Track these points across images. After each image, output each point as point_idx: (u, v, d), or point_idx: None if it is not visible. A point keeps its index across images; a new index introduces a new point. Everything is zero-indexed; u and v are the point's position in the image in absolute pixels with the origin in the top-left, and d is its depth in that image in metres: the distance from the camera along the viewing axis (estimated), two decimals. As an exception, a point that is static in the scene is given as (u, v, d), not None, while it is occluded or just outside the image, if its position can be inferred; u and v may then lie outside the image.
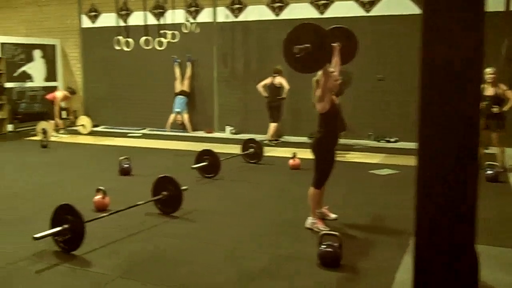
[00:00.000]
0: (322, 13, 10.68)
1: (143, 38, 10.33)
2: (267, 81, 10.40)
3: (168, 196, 5.70)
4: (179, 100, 11.76)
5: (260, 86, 10.47)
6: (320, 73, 4.92)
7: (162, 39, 10.37)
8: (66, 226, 4.56)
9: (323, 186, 5.25)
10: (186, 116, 11.74)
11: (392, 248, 4.68)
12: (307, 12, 10.72)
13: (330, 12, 10.59)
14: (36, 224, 5.15)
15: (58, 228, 4.56)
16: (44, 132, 10.83)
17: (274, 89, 10.38)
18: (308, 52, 4.64)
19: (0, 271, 4.26)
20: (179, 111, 11.70)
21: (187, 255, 4.60)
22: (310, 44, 4.66)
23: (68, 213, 4.61)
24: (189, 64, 11.84)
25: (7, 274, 4.20)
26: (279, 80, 10.28)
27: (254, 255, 4.58)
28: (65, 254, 4.53)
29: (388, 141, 10.45)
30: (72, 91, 12.46)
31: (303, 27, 4.82)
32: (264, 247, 4.78)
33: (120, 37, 10.36)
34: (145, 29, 10.43)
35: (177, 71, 11.87)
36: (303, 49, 4.64)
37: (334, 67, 5.26)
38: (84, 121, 12.33)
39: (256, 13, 11.18)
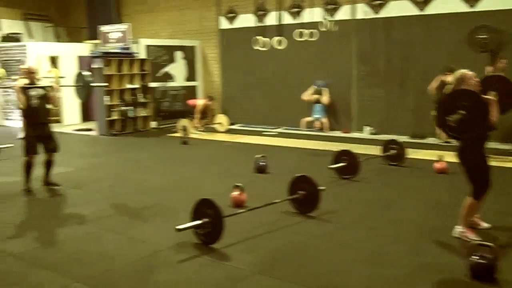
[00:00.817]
0: (471, 6, 9.92)
1: (276, 38, 10.36)
2: (438, 81, 9.63)
3: (305, 195, 5.61)
4: (317, 108, 11.65)
5: (432, 87, 9.69)
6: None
7: (298, 38, 10.32)
8: (206, 219, 4.66)
9: (483, 196, 4.80)
10: (325, 121, 11.56)
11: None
12: (454, 6, 10.05)
13: (482, 5, 9.80)
14: (178, 216, 5.36)
15: (199, 221, 4.68)
16: (185, 129, 11.29)
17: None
18: (464, 119, 4.40)
19: (146, 259, 4.46)
20: (317, 117, 11.60)
21: (324, 256, 4.50)
22: (465, 110, 4.40)
23: (208, 207, 4.71)
24: (325, 90, 11.62)
25: (152, 262, 4.40)
26: (451, 79, 9.37)
27: (394, 261, 4.34)
28: (204, 246, 4.63)
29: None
30: (211, 98, 12.87)
31: (456, 94, 4.60)
32: (406, 253, 4.51)
33: (259, 37, 10.49)
34: (279, 29, 10.44)
35: (310, 91, 11.76)
36: (459, 118, 4.42)
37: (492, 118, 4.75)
38: (221, 120, 12.68)
39: (399, 8, 10.72)
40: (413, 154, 8.51)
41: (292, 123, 12.06)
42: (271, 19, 12.02)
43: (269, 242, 4.81)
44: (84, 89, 7.05)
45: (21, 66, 7.19)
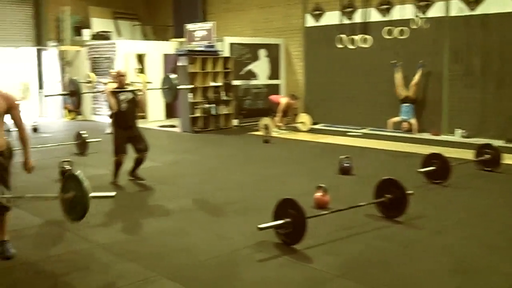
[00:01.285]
0: None
1: (360, 35, 10.07)
2: None
3: (391, 199, 5.36)
4: (405, 108, 11.20)
5: None
6: None
7: (389, 36, 9.98)
8: (288, 220, 4.57)
9: None
10: (414, 122, 11.10)
11: None
12: None
13: None
14: (260, 215, 5.30)
15: (281, 221, 4.59)
16: (266, 127, 11.21)
17: None
18: None
19: (227, 256, 4.44)
20: (405, 118, 11.16)
21: (409, 263, 4.29)
22: None
23: (290, 207, 4.61)
24: (419, 71, 11.12)
25: (233, 260, 4.37)
26: None
27: (486, 272, 4.05)
28: (285, 246, 4.54)
29: None
30: (294, 97, 12.73)
31: None
32: (499, 263, 4.19)
33: (343, 35, 10.25)
34: (365, 27, 10.14)
35: (398, 76, 11.24)
36: None
37: None
38: (304, 119, 12.51)
39: (498, 5, 10.09)
40: (509, 159, 7.98)
41: (378, 123, 11.69)
42: (358, 17, 11.73)
43: (352, 246, 4.66)
44: (170, 91, 7.28)
45: (111, 70, 7.45)
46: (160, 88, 7.51)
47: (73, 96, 7.34)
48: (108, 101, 6.85)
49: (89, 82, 12.81)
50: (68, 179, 4.13)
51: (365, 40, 10.09)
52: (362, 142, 10.71)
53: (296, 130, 12.38)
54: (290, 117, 12.63)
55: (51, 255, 4.48)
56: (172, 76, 7.39)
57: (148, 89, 7.56)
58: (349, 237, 4.87)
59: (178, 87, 7.39)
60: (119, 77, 6.84)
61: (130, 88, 7.06)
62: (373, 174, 6.44)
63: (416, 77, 10.95)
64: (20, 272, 4.16)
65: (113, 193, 4.67)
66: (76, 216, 4.00)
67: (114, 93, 6.76)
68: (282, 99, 12.60)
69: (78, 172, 4.01)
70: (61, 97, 14.81)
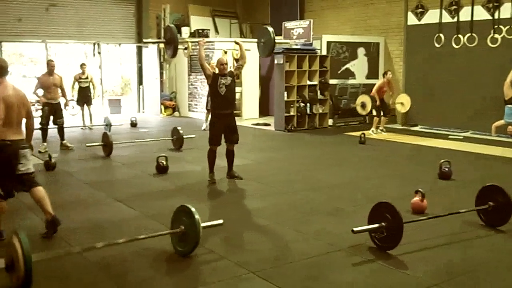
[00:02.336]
0: None
1: (468, 35, 9.61)
2: None
3: (495, 207, 5.09)
4: (508, 111, 10.52)
5: None
6: None
7: (496, 35, 9.46)
8: (384, 224, 4.45)
9: None
10: None
11: None
12: None
13: None
14: (353, 217, 5.25)
15: (376, 225, 4.48)
16: (363, 105, 10.96)
17: None
18: None
19: (320, 258, 4.39)
20: (509, 121, 10.48)
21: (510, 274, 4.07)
22: None
23: (387, 211, 4.49)
24: None
25: (326, 262, 4.32)
26: None
27: None
28: (380, 251, 4.44)
29: None
30: (387, 73, 12.04)
31: None
32: None
33: (441, 35, 9.83)
34: (471, 25, 9.67)
35: (510, 74, 10.54)
36: None
37: None
38: (403, 99, 11.80)
39: None
40: None
41: (480, 127, 11.12)
42: (463, 15, 11.21)
43: (450, 254, 4.48)
44: (267, 45, 7.00)
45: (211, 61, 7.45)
46: (258, 41, 7.19)
47: (170, 44, 7.12)
48: (199, 53, 7.01)
49: (186, 48, 13.06)
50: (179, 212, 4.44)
51: (471, 39, 9.60)
52: (464, 146, 10.24)
53: (394, 131, 12.01)
54: (387, 108, 12.06)
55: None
56: (269, 28, 7.12)
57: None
58: (447, 244, 4.69)
59: (275, 40, 7.00)
60: (220, 66, 6.93)
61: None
62: (474, 180, 6.19)
63: None
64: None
65: (220, 221, 4.72)
66: (188, 248, 4.28)
67: (216, 76, 6.85)
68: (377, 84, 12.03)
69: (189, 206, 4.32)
70: (159, 94, 15.35)
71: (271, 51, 7.25)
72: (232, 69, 7.76)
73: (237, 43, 7.37)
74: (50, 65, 9.51)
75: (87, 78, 12.29)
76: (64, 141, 9.66)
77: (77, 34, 15.07)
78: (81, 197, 6.39)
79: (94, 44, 15.12)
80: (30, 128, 4.95)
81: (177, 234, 4.35)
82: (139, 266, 4.19)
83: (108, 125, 11.26)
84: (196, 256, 4.33)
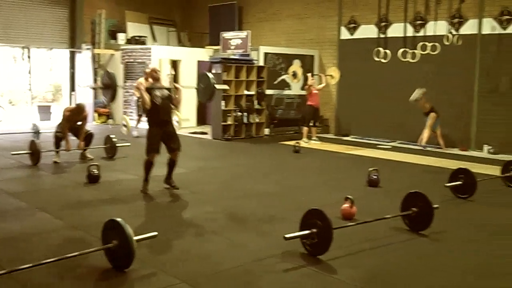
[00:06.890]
0: None
1: (401, 50, 10.13)
2: None
3: (417, 212, 5.39)
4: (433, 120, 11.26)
5: None
6: None
7: (418, 51, 10.04)
8: (314, 230, 4.57)
9: None
10: (438, 132, 11.13)
11: None
12: None
13: None
14: (285, 224, 5.34)
15: (307, 231, 4.60)
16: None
17: None
18: None
19: (250, 265, 4.45)
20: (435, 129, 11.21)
21: (433, 276, 4.31)
22: None
23: (317, 217, 4.62)
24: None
25: (257, 269, 4.37)
26: None
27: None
28: (311, 257, 4.56)
29: None
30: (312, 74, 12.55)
31: None
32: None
33: (380, 48, 10.33)
34: (404, 41, 10.22)
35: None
36: None
37: None
38: (332, 71, 12.40)
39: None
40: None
41: (407, 137, 11.69)
42: (392, 31, 11.77)
43: (376, 258, 4.69)
44: (206, 90, 7.02)
45: (145, 70, 7.38)
46: (197, 87, 7.21)
47: (108, 89, 7.08)
48: (142, 97, 6.67)
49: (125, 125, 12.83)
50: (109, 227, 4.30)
51: (403, 54, 10.12)
52: (391, 155, 10.70)
53: (326, 140, 12.38)
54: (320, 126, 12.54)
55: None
56: (209, 74, 7.10)
57: (183, 87, 7.15)
58: (373, 249, 4.90)
59: (215, 85, 7.02)
60: (153, 73, 6.83)
61: (165, 85, 6.90)
62: (400, 187, 6.44)
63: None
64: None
65: (155, 233, 4.56)
66: (124, 263, 4.16)
67: (149, 90, 6.66)
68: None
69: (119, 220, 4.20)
70: (92, 100, 15.01)
71: (211, 97, 7.28)
72: (168, 83, 7.66)
73: (176, 88, 7.14)
74: None
75: None
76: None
77: (3, 37, 14.35)
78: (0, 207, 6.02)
79: (23, 48, 14.56)
80: None
81: (110, 249, 4.20)
82: (70, 285, 4.00)
83: (37, 132, 10.96)
84: (131, 271, 4.18)
